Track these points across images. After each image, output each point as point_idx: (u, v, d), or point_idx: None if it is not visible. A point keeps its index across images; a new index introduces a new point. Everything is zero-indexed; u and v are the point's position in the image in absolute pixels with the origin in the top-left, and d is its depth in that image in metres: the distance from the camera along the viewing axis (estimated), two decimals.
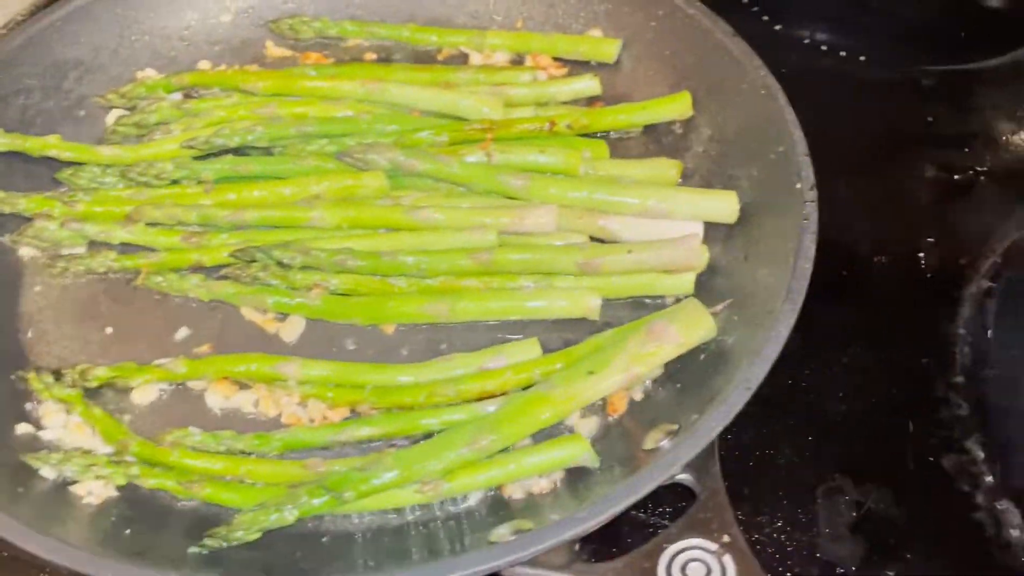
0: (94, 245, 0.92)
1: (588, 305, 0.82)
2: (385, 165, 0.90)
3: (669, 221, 0.87)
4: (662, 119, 0.96)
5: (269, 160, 0.95)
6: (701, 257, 0.83)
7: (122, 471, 0.74)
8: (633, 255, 0.83)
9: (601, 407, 0.79)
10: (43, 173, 0.97)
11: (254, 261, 0.86)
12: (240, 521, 0.69)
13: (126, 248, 0.91)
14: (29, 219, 0.92)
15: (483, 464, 0.72)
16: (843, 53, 1.12)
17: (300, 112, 0.97)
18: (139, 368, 0.81)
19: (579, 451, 0.72)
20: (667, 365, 0.78)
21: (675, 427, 0.71)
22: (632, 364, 0.75)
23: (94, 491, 0.74)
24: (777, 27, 1.14)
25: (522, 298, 0.83)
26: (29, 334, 0.87)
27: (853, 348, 0.86)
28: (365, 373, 0.80)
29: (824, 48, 1.13)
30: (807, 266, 0.75)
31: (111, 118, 1.03)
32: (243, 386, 0.81)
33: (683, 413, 0.72)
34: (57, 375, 0.81)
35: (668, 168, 0.93)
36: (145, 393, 0.81)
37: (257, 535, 0.69)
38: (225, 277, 0.88)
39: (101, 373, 0.80)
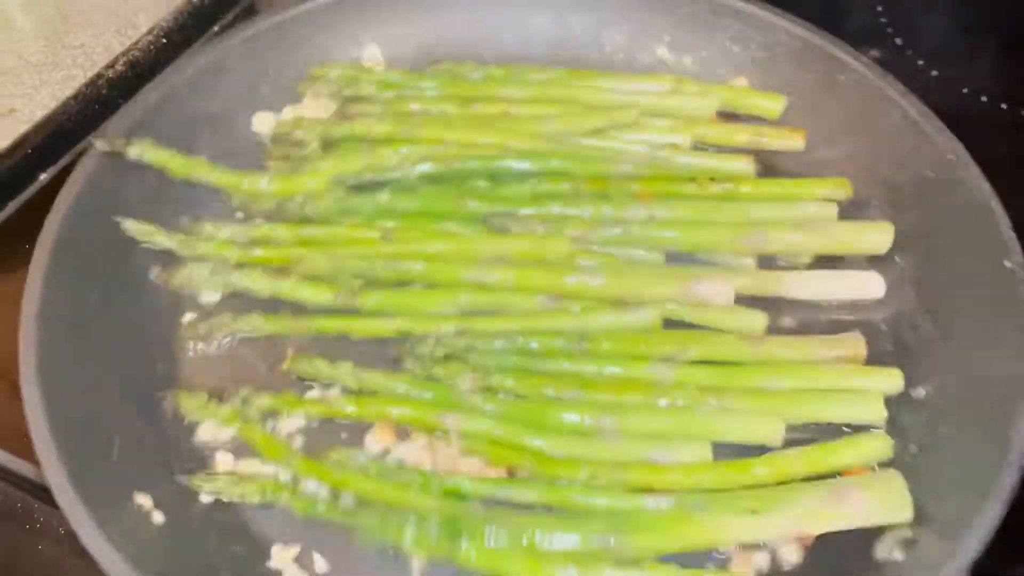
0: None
1: (770, 432, 0.78)
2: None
3: (845, 275, 0.87)
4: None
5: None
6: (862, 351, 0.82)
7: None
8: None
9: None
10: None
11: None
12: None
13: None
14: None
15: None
16: (1003, 106, 1.06)
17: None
18: (300, 400, 0.81)
19: None
20: None
21: None
22: (803, 520, 0.71)
23: None
24: (934, 72, 1.09)
25: (696, 420, 0.79)
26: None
27: None
28: (528, 436, 0.78)
29: (984, 99, 1.07)
30: None
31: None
32: (402, 436, 0.80)
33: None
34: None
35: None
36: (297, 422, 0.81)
37: None
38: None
39: (264, 402, 0.80)
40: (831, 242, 0.88)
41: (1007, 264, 0.76)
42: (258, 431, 0.79)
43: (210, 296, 0.89)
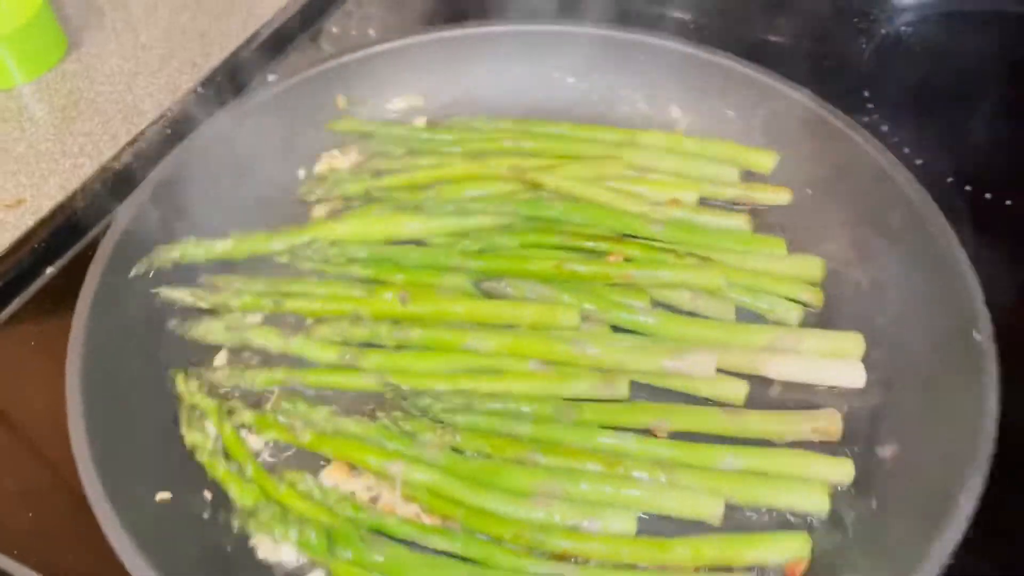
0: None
1: (710, 511, 0.81)
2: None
3: (828, 364, 0.90)
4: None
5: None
6: (838, 427, 0.85)
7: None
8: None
9: None
10: None
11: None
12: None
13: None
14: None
15: None
16: (988, 195, 1.06)
17: None
18: (272, 423, 0.89)
19: None
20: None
21: None
22: None
23: None
24: (918, 161, 1.10)
25: (639, 492, 0.82)
26: None
27: None
28: (466, 491, 0.83)
29: (968, 188, 1.06)
30: (990, 432, 0.74)
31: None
32: (355, 472, 0.86)
33: None
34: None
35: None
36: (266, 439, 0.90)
37: None
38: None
39: (246, 418, 0.89)
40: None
41: (976, 336, 0.80)
42: (231, 434, 0.88)
43: (221, 357, 0.97)
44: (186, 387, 0.90)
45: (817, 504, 0.81)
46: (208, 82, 1.28)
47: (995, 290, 0.84)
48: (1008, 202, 1.06)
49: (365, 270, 1.00)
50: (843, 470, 0.82)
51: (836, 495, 0.82)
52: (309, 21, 1.39)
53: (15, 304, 1.03)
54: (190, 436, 0.87)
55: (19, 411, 0.93)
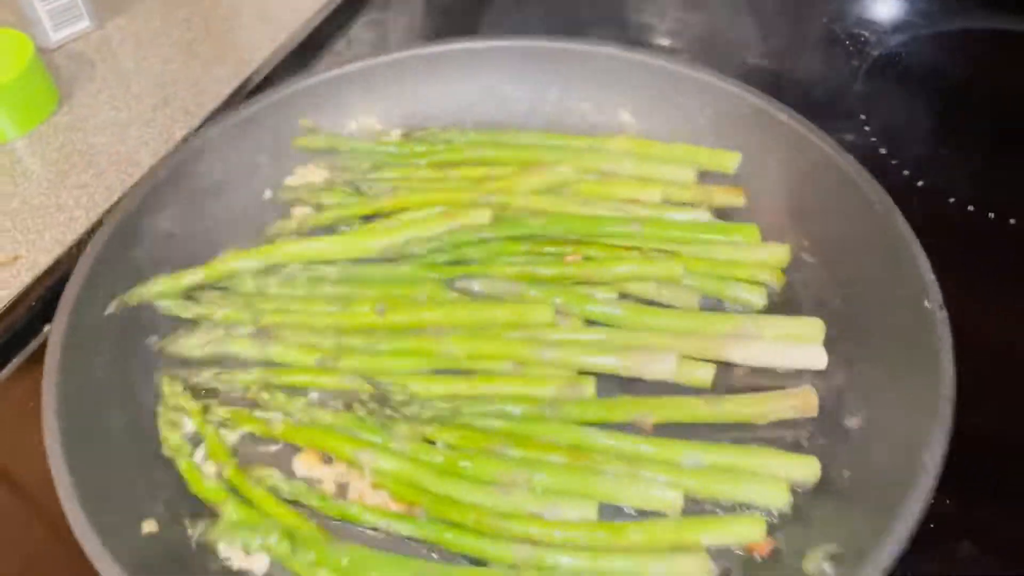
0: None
1: (669, 504, 0.83)
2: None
3: (790, 347, 0.92)
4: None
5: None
6: (814, 404, 0.87)
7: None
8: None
9: None
10: None
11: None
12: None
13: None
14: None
15: None
16: (991, 215, 1.08)
17: None
18: (248, 418, 0.92)
19: None
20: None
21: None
22: None
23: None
24: (920, 183, 1.11)
25: (602, 483, 0.84)
26: None
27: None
28: (430, 479, 0.85)
29: (971, 208, 1.08)
30: (948, 393, 0.76)
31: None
32: (327, 461, 0.89)
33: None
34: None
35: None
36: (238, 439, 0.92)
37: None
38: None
39: (223, 413, 0.92)
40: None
41: (927, 304, 0.82)
42: (211, 432, 0.90)
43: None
44: (171, 389, 0.93)
45: (777, 500, 0.82)
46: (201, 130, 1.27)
47: (993, 311, 0.85)
48: (1012, 220, 1.07)
49: (335, 288, 1.02)
50: (808, 470, 0.83)
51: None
52: (300, 65, 1.41)
53: (15, 363, 1.02)
54: (163, 432, 0.89)
55: (19, 472, 0.92)
